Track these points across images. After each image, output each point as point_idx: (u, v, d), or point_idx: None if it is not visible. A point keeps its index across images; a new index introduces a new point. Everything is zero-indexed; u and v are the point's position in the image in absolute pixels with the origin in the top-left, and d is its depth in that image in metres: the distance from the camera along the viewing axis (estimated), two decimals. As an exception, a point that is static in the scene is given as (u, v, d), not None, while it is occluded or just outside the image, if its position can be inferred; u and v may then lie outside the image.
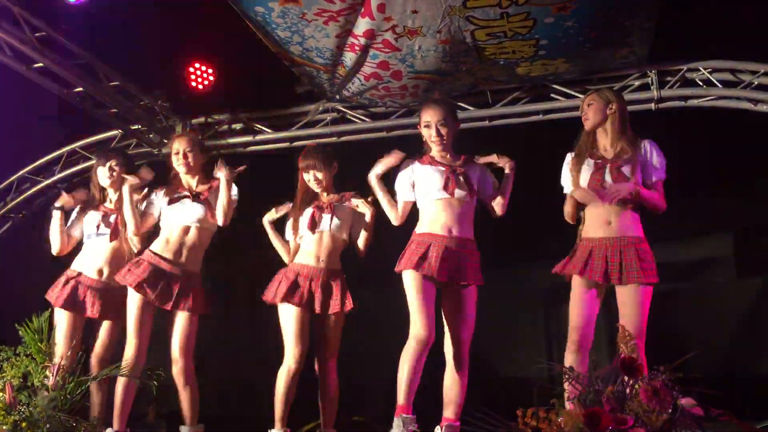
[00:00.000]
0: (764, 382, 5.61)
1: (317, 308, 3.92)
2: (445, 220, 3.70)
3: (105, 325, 4.20)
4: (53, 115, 5.92)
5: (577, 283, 3.53)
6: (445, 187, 3.72)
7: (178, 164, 4.25)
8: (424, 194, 3.81)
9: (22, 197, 6.37)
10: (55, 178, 6.34)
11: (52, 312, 3.49)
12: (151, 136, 6.21)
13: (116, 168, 4.40)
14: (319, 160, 4.10)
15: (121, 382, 3.90)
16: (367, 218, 4.00)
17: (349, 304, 3.96)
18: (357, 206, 4.01)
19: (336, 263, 4.05)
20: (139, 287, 3.97)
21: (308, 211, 4.05)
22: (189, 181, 4.30)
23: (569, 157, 3.74)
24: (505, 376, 6.24)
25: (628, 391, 2.49)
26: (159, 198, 4.25)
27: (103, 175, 4.42)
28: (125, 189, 4.18)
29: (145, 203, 4.27)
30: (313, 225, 4.00)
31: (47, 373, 3.19)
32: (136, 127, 6.12)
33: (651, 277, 3.41)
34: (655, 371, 2.51)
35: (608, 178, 3.50)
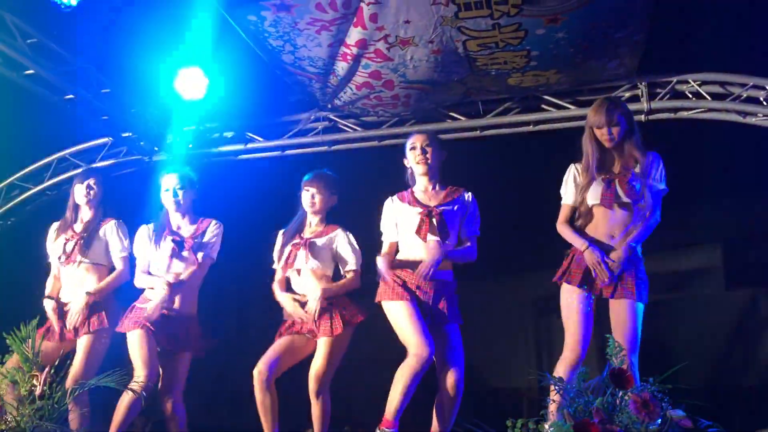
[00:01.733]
0: (753, 393, 5.62)
1: (306, 332, 3.92)
2: (416, 254, 3.70)
3: (80, 345, 4.13)
4: (43, 122, 5.89)
5: (573, 293, 3.50)
6: (418, 232, 3.71)
7: (167, 201, 4.24)
8: (402, 234, 3.82)
9: (11, 204, 6.34)
10: (44, 185, 6.32)
11: (39, 321, 3.46)
12: (142, 143, 6.19)
13: (94, 187, 4.37)
14: (321, 181, 4.10)
15: (125, 399, 3.87)
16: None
17: (338, 329, 3.86)
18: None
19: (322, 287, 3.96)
20: (140, 327, 3.96)
21: (287, 249, 4.04)
22: (178, 221, 4.28)
23: (574, 169, 3.68)
24: (496, 386, 6.24)
25: (617, 402, 2.50)
26: (148, 236, 4.22)
27: (79, 192, 4.37)
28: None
29: (136, 243, 4.25)
30: (288, 264, 4.00)
31: (35, 382, 3.17)
32: (127, 134, 6.11)
33: (644, 297, 3.41)
34: (644, 383, 2.51)
35: (620, 193, 3.47)
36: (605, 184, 3.50)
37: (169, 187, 4.24)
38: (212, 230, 4.23)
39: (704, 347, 5.86)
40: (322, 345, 3.87)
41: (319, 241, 4.02)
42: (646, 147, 3.58)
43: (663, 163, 3.54)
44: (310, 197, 4.07)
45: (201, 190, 4.37)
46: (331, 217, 4.16)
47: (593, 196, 3.52)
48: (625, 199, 3.46)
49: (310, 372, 3.87)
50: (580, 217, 3.60)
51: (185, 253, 4.13)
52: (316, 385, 3.84)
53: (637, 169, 3.50)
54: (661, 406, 2.45)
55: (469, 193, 3.84)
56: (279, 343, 3.93)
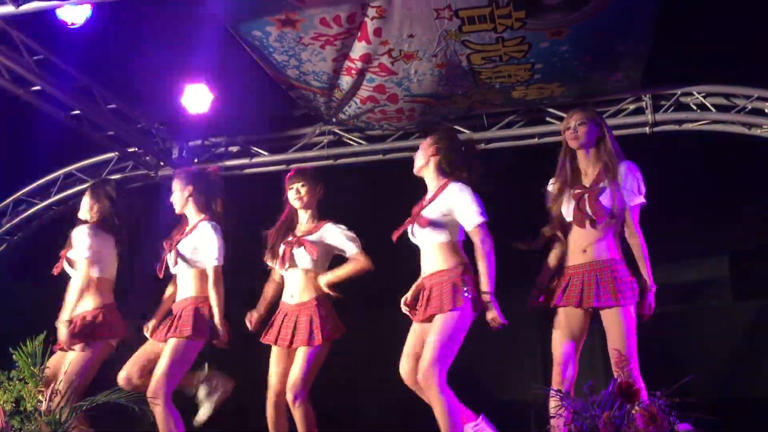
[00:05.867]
0: (761, 405, 5.58)
1: (280, 343, 3.85)
2: (422, 262, 3.63)
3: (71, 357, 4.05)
4: (50, 138, 5.93)
5: (559, 314, 3.50)
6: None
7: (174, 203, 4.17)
8: None
9: (18, 219, 6.36)
10: (51, 200, 6.34)
11: (46, 336, 3.45)
12: (147, 158, 6.22)
13: (88, 200, 4.20)
14: (304, 175, 4.03)
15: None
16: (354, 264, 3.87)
17: (318, 339, 3.76)
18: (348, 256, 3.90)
19: (313, 294, 3.89)
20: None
21: (281, 248, 3.95)
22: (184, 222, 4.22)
23: (550, 184, 3.64)
24: (503, 399, 6.21)
25: (624, 416, 2.48)
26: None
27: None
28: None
29: None
30: (283, 263, 3.93)
31: (40, 397, 3.16)
32: (132, 149, 6.14)
33: (629, 299, 3.30)
34: (652, 396, 2.50)
35: (588, 210, 3.40)
36: (575, 202, 3.44)
37: (174, 189, 4.16)
38: (200, 232, 4.03)
39: (712, 359, 5.82)
40: (300, 355, 3.79)
41: (311, 238, 3.93)
42: (625, 157, 3.50)
43: (640, 174, 3.43)
44: (295, 192, 3.98)
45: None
46: (323, 215, 4.07)
47: (567, 212, 3.50)
48: (594, 218, 3.39)
49: (287, 382, 3.77)
50: (561, 227, 3.56)
51: (169, 256, 4.05)
52: (290, 394, 3.72)
53: (607, 182, 3.42)
54: (669, 419, 2.43)
55: (457, 184, 3.52)
56: (272, 370, 3.90)
